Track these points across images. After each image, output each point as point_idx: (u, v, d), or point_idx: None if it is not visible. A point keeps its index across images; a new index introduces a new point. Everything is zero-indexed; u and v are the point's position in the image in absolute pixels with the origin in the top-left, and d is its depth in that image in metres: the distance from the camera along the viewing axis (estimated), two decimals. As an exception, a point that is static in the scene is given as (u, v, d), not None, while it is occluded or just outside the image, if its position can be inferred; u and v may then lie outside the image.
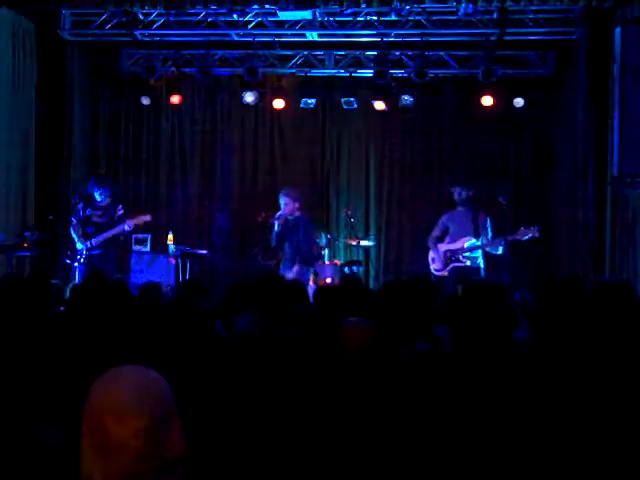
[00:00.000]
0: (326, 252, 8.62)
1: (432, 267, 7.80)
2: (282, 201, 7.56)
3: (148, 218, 7.71)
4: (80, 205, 7.59)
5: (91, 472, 1.36)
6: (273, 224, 7.53)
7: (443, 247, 7.70)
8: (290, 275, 7.22)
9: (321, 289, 4.58)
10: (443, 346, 2.98)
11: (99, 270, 5.79)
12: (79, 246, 7.47)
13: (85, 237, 7.46)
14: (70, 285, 5.31)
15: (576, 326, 2.96)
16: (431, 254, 7.85)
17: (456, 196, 7.67)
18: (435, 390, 2.51)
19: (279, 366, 2.71)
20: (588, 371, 2.55)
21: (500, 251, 7.43)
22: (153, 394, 1.38)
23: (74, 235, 7.54)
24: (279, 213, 7.55)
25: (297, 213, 7.61)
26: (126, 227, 7.51)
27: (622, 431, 2.26)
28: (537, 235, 7.25)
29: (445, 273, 7.64)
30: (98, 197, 7.62)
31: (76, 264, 7.38)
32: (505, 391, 2.46)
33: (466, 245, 7.53)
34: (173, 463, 1.38)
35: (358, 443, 2.16)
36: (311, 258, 7.75)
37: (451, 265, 7.61)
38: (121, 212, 7.64)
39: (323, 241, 8.57)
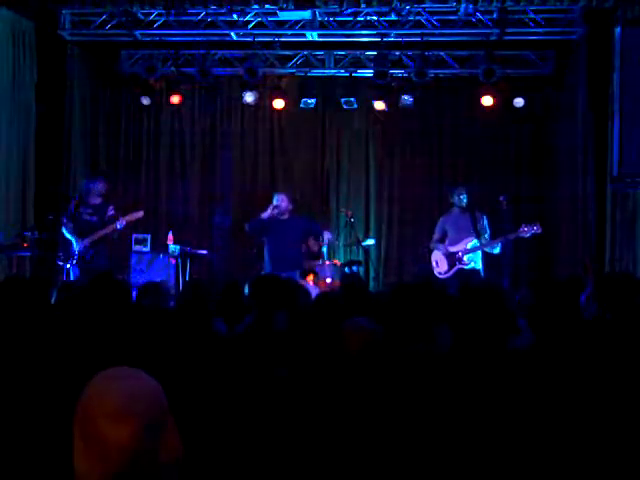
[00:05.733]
0: (324, 249, 8.56)
1: (436, 270, 7.74)
2: (275, 199, 7.56)
3: (140, 215, 7.47)
4: (72, 203, 7.33)
5: (85, 475, 1.36)
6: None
7: (446, 250, 7.65)
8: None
9: (323, 295, 4.51)
10: (438, 346, 2.98)
11: (105, 271, 5.56)
12: (75, 246, 7.22)
13: (78, 236, 7.24)
14: (59, 284, 5.21)
15: (575, 325, 2.96)
16: (434, 257, 7.80)
17: (457, 199, 7.60)
18: (431, 390, 2.51)
19: (276, 366, 2.71)
20: (586, 371, 2.55)
21: (497, 251, 7.40)
22: (145, 396, 1.38)
23: (69, 236, 7.29)
24: (274, 203, 7.50)
25: (287, 215, 7.54)
26: (118, 225, 7.24)
27: (622, 430, 2.26)
28: (539, 231, 7.23)
29: (449, 276, 7.60)
30: (89, 191, 7.40)
31: (68, 265, 7.16)
32: (502, 392, 2.46)
33: (469, 246, 7.49)
34: (168, 464, 1.38)
35: (357, 443, 2.16)
36: (300, 260, 7.69)
37: (456, 268, 7.56)
38: (112, 212, 7.38)
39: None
